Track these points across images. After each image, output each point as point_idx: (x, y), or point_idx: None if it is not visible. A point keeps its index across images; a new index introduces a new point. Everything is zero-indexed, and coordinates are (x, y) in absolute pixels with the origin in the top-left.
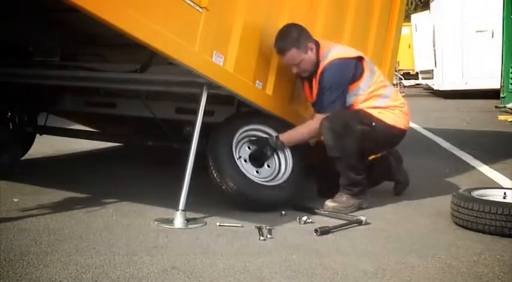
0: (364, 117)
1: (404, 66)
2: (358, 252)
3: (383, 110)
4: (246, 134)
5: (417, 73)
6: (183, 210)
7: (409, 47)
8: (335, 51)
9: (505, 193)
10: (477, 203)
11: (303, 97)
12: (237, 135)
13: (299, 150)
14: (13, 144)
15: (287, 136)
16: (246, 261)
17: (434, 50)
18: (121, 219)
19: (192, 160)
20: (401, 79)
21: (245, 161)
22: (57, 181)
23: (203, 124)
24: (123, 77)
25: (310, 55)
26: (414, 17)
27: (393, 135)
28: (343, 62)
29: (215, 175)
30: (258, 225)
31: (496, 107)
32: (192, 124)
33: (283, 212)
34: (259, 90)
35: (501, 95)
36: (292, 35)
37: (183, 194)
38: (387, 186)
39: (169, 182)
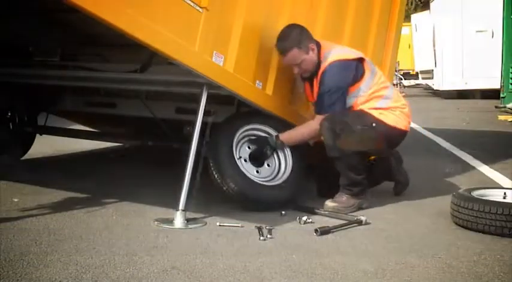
0: (365, 118)
1: (404, 66)
2: (358, 252)
3: (384, 111)
4: (246, 133)
5: (417, 73)
6: (183, 210)
7: (409, 47)
8: (336, 52)
9: (505, 193)
10: (477, 203)
11: (303, 97)
12: (237, 135)
13: (299, 150)
14: (13, 144)
15: (287, 136)
16: (246, 261)
17: (434, 50)
18: (121, 219)
19: (192, 160)
20: (401, 79)
21: (245, 160)
22: (57, 181)
23: (203, 124)
24: (123, 77)
25: (312, 55)
26: (414, 17)
27: (394, 136)
28: (343, 64)
29: (216, 176)
30: (258, 225)
31: (496, 107)
32: (192, 124)
33: (283, 212)
34: (259, 90)
35: (501, 95)
36: (293, 35)
37: (183, 194)
38: (387, 186)
39: (169, 182)
